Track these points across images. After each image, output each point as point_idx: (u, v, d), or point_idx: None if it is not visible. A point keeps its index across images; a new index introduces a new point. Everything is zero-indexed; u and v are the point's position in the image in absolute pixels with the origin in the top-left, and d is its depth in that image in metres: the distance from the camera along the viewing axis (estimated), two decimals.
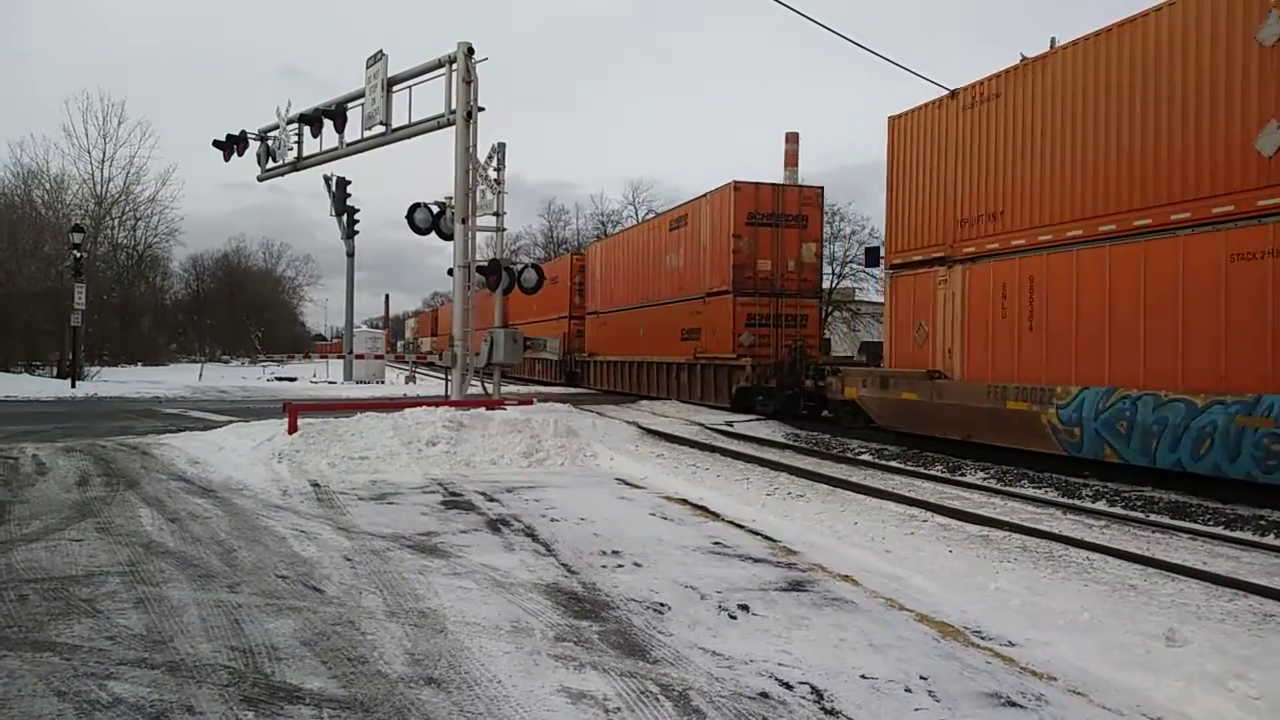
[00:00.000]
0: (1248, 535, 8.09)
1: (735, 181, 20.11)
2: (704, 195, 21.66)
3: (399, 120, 16.82)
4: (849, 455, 13.75)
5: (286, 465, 10.20)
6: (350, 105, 17.77)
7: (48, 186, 42.92)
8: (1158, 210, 10.24)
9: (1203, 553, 7.37)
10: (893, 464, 12.77)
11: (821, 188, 21.10)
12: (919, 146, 14.54)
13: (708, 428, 16.84)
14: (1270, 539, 7.92)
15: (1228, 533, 8.20)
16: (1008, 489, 10.67)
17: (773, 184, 20.89)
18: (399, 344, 76.86)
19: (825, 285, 30.08)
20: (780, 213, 20.23)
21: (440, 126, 16.06)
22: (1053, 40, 11.84)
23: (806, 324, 20.48)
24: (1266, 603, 5.80)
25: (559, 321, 33.20)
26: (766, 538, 7.18)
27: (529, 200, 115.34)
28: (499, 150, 16.69)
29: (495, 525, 7.41)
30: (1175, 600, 5.82)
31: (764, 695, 3.89)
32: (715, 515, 8.14)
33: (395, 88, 16.74)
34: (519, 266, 17.68)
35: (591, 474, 10.68)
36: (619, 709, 3.70)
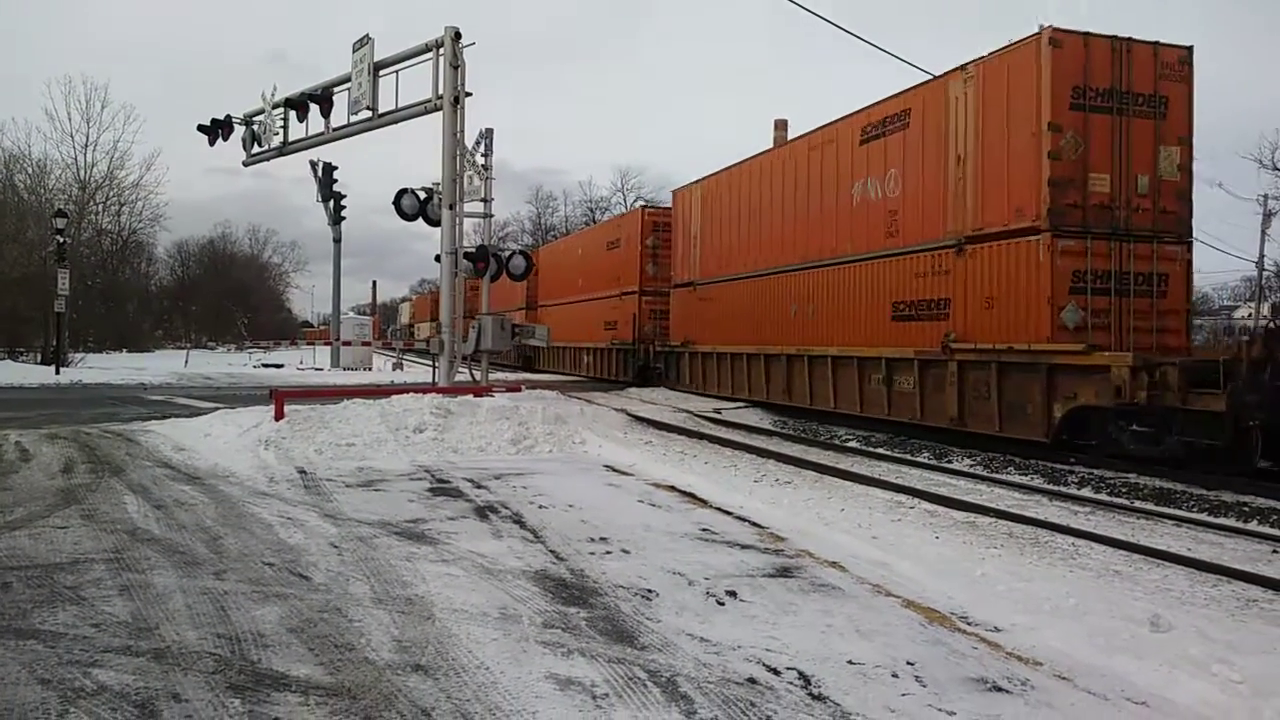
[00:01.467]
0: (1231, 522, 8.15)
1: (1051, 30, 11.46)
2: (972, 63, 12.69)
3: (386, 105, 16.71)
4: (836, 442, 13.78)
5: (273, 452, 10.15)
6: (337, 90, 17.62)
7: (30, 171, 42.56)
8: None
9: (1187, 539, 7.43)
10: (880, 451, 12.81)
11: (1190, 47, 12.12)
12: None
13: (696, 415, 16.85)
14: (1253, 525, 7.98)
15: (1212, 519, 8.26)
16: (994, 476, 10.71)
17: (1110, 37, 11.75)
18: (389, 330, 76.08)
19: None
20: (1126, 90, 11.66)
21: (427, 112, 15.96)
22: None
23: (1167, 289, 11.96)
24: (1249, 588, 5.85)
25: (621, 300, 26.17)
26: (754, 524, 7.19)
27: (517, 186, 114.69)
28: (486, 136, 16.61)
29: (483, 512, 7.39)
30: (1160, 586, 5.86)
31: (751, 681, 3.90)
32: (703, 502, 8.15)
33: (382, 72, 16.60)
34: (507, 252, 17.60)
35: (580, 461, 10.67)
36: (607, 695, 3.70)
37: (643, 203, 24.22)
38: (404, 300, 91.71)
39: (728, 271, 20.00)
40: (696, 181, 21.86)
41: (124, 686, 3.66)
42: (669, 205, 24.18)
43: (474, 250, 16.67)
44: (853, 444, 13.59)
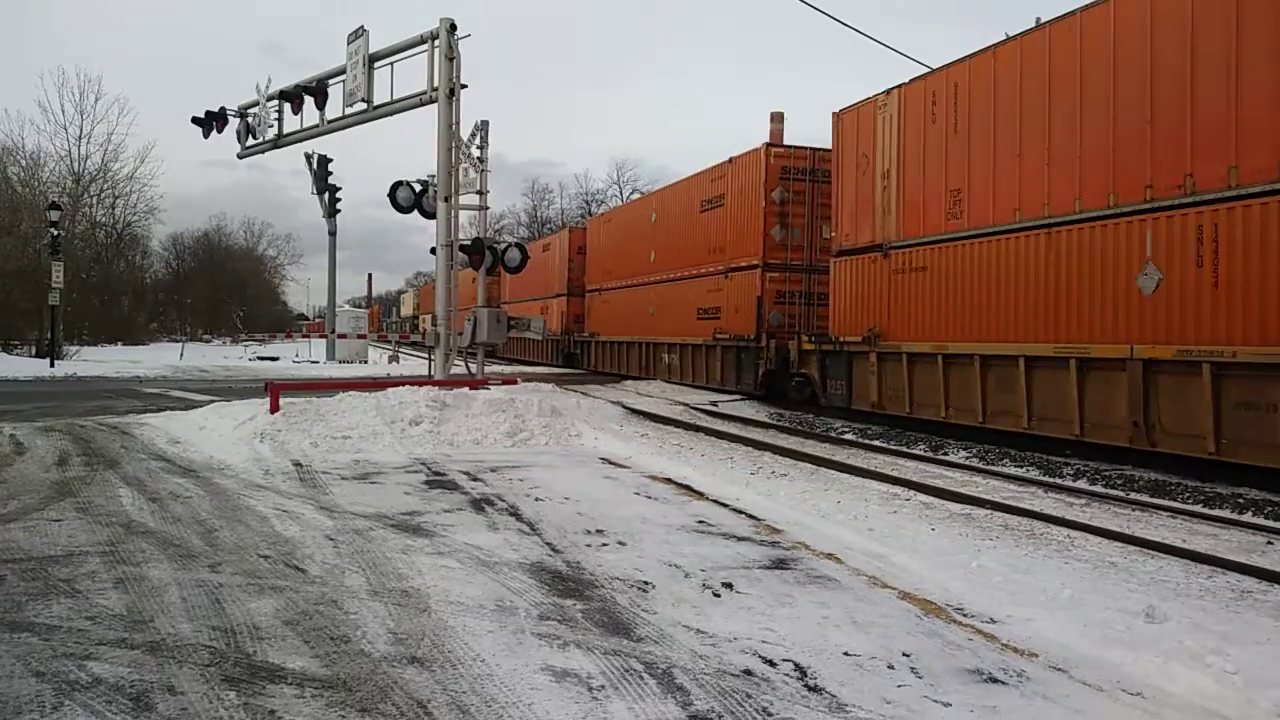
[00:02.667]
0: (1226, 513, 8.18)
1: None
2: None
3: (381, 97, 16.61)
4: (833, 435, 13.80)
5: (269, 445, 10.14)
6: (331, 82, 17.53)
7: (23, 163, 42.42)
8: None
9: (1182, 530, 7.45)
10: (876, 443, 12.82)
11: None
12: None
13: (692, 407, 16.86)
14: (1248, 517, 8.01)
15: (1207, 511, 8.28)
16: (990, 468, 10.74)
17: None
18: (384, 323, 75.43)
19: None
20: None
21: (423, 104, 15.88)
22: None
23: None
24: (1244, 579, 5.87)
25: (727, 279, 19.55)
26: (750, 516, 7.19)
27: (512, 179, 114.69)
28: (482, 128, 16.51)
29: (479, 505, 7.39)
30: (1155, 577, 5.88)
31: (748, 673, 3.90)
32: (699, 494, 8.15)
33: (377, 64, 16.52)
34: (502, 245, 17.55)
35: (576, 454, 10.67)
36: (603, 687, 3.70)
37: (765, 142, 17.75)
38: (405, 290, 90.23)
39: (973, 224, 12.45)
40: (892, 89, 14.21)
41: (119, 679, 3.65)
42: (797, 144, 18.58)
43: (469, 243, 16.62)
44: (849, 436, 13.60)
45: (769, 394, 17.99)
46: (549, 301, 32.51)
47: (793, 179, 18.09)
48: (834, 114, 15.76)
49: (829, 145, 16.35)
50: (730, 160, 19.57)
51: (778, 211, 18.08)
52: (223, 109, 19.97)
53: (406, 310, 75.71)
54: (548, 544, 6.09)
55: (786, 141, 19.44)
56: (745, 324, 18.48)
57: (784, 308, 18.08)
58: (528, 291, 34.93)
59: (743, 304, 18.62)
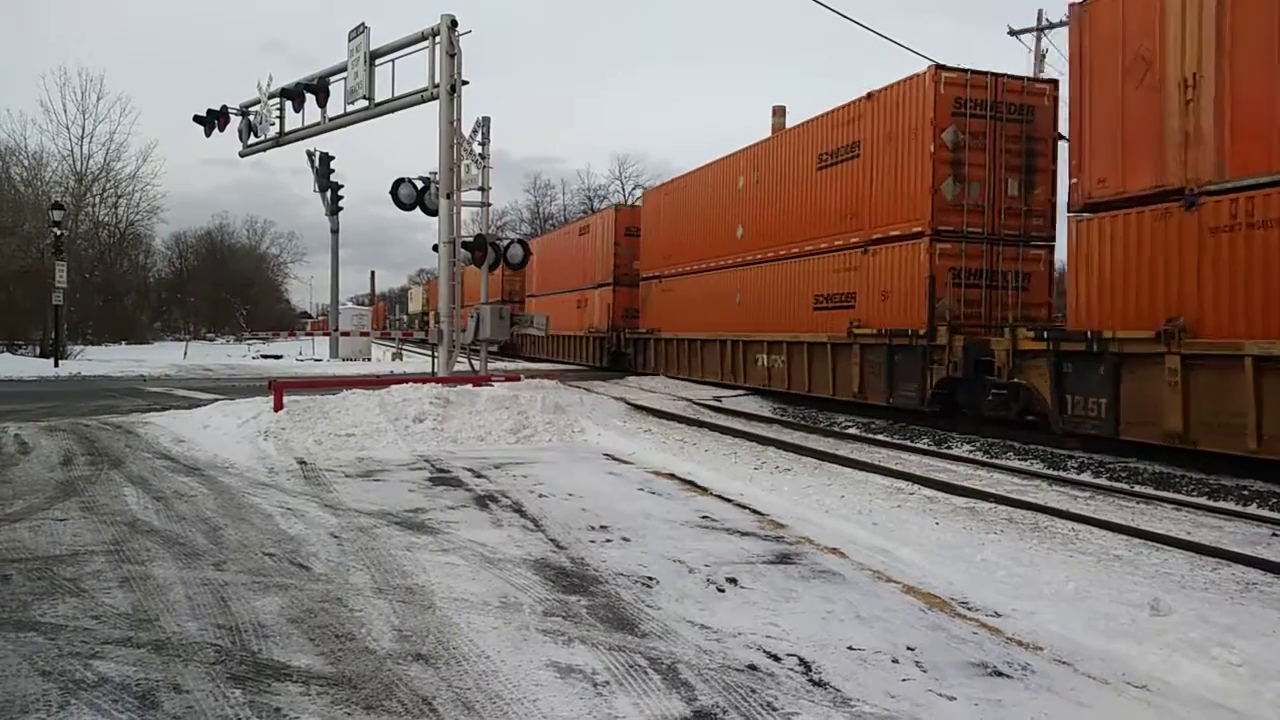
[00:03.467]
0: (1230, 505, 8.17)
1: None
2: None
3: (382, 94, 16.61)
4: (836, 429, 13.79)
5: (273, 443, 10.15)
6: (333, 79, 17.53)
7: (26, 163, 42.41)
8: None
9: (1186, 523, 7.44)
10: (879, 437, 12.82)
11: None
12: None
13: (695, 403, 16.86)
14: (1253, 509, 8.00)
15: (1211, 503, 8.27)
16: (993, 461, 10.73)
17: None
18: (389, 320, 74.90)
19: None
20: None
21: (424, 101, 15.88)
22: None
23: None
24: (1249, 571, 5.87)
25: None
26: (754, 511, 7.19)
27: (514, 175, 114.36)
28: (483, 125, 16.52)
29: (483, 501, 7.39)
30: (1159, 570, 5.87)
31: (752, 667, 3.90)
32: (703, 489, 8.15)
33: (378, 61, 16.51)
34: (505, 242, 17.55)
35: (579, 450, 10.67)
36: (608, 682, 3.70)
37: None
38: (410, 287, 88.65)
39: None
40: None
41: (125, 678, 3.66)
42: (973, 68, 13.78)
43: (472, 239, 16.63)
44: (852, 430, 13.59)
45: (945, 409, 13.35)
46: (589, 293, 28.68)
47: (969, 114, 13.43)
48: (1072, 3, 11.29)
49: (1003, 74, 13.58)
50: (869, 96, 14.85)
51: (950, 159, 13.37)
52: (224, 107, 19.98)
53: (415, 306, 73.60)
54: (552, 540, 6.09)
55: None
56: (900, 314, 14.01)
57: (957, 292, 13.41)
58: (561, 283, 31.71)
59: (896, 287, 14.11)
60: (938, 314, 13.29)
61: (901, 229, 13.99)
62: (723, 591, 5.01)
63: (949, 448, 11.80)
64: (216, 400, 13.78)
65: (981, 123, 13.49)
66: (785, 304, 17.36)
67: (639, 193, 34.94)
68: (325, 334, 39.30)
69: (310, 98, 17.92)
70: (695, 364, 21.40)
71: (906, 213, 13.86)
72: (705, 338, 20.86)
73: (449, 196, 15.38)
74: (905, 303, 13.88)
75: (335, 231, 32.93)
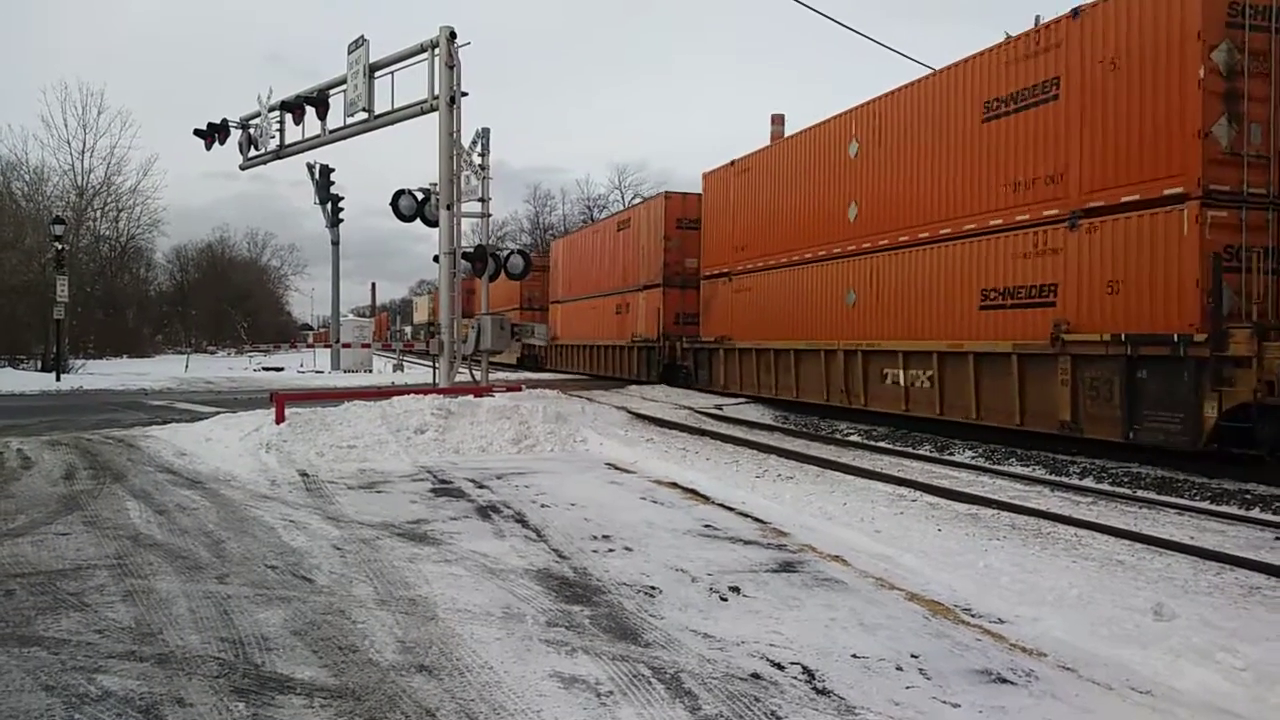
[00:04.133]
0: (1233, 509, 8.16)
1: None
2: None
3: (382, 106, 16.69)
4: (837, 436, 13.79)
5: (274, 455, 10.15)
6: (333, 92, 17.61)
7: (27, 178, 42.54)
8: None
9: (1189, 527, 7.43)
10: (881, 444, 12.81)
11: None
12: None
13: (697, 411, 16.86)
14: (1256, 513, 7.99)
15: (1214, 507, 8.26)
16: (996, 467, 10.72)
17: None
18: (392, 331, 74.65)
19: None
20: None
21: (423, 112, 15.95)
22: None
23: None
24: (1253, 576, 5.85)
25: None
26: (757, 519, 7.19)
27: (514, 186, 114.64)
28: (483, 135, 16.58)
29: (485, 512, 7.39)
30: (1163, 575, 5.86)
31: (756, 676, 3.90)
32: (705, 498, 8.15)
33: (378, 73, 16.59)
34: (505, 252, 17.58)
35: (581, 459, 10.67)
36: (611, 692, 3.70)
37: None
38: (412, 298, 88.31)
39: None
40: None
41: (128, 692, 3.66)
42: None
43: (472, 250, 16.66)
44: (854, 438, 13.59)
45: (1235, 449, 9.05)
46: (631, 296, 24.64)
47: (1249, 25, 9.36)
48: None
49: None
50: (1075, 14, 10.92)
51: (1223, 91, 9.35)
52: (225, 121, 20.07)
53: (420, 316, 72.99)
54: (554, 550, 6.09)
55: None
56: (1140, 312, 9.99)
57: (1234, 279, 9.28)
58: (594, 286, 27.71)
59: (1132, 275, 10.11)
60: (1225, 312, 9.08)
61: (1141, 192, 9.99)
62: (725, 600, 5.00)
63: (951, 454, 11.80)
64: (218, 413, 13.78)
65: (1265, 38, 9.38)
66: (931, 302, 13.30)
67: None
68: (326, 346, 39.31)
69: (310, 110, 18.02)
70: (787, 381, 17.30)
71: (1151, 168, 9.91)
72: (802, 347, 16.71)
73: (449, 207, 15.42)
74: (1150, 296, 9.88)
75: (336, 243, 32.97)
